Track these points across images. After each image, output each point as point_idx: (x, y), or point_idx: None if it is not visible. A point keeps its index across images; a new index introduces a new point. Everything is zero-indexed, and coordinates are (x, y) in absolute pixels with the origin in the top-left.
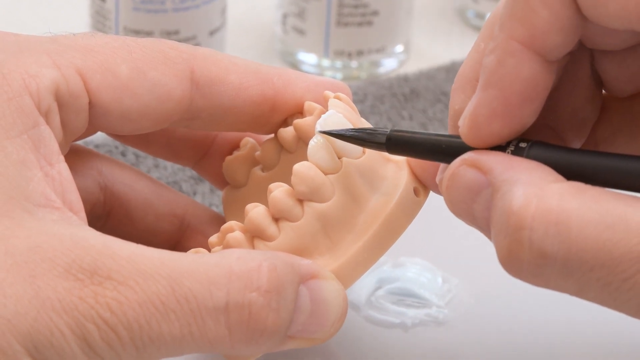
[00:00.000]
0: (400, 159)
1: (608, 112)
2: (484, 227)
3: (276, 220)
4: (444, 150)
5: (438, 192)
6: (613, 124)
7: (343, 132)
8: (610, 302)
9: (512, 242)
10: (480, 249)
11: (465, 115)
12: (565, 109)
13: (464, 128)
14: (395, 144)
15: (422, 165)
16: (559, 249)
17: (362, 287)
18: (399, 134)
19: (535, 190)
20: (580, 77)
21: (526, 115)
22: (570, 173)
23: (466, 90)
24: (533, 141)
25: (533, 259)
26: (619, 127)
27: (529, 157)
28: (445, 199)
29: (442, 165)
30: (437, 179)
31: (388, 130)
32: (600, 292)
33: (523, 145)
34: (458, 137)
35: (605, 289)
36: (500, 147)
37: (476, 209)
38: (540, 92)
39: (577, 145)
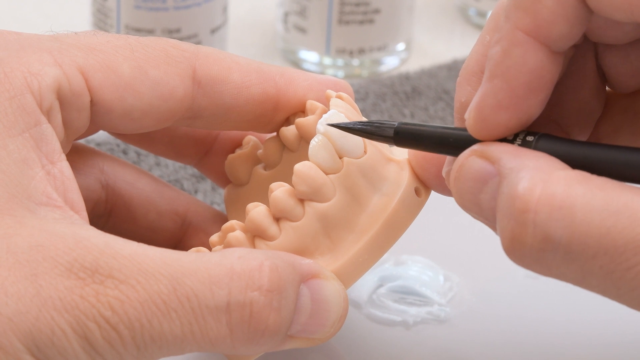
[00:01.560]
0: (402, 159)
1: (611, 108)
2: (490, 217)
3: (277, 220)
4: (452, 143)
5: (439, 191)
6: (616, 120)
7: (351, 125)
8: (612, 292)
9: (516, 225)
10: (481, 247)
11: (471, 107)
12: (570, 103)
13: (470, 120)
14: (403, 137)
15: (424, 164)
16: (562, 233)
17: (364, 285)
18: (407, 127)
19: (541, 175)
20: (586, 71)
21: (532, 106)
22: (577, 165)
23: (472, 82)
24: (540, 134)
25: (536, 242)
26: (622, 124)
27: (536, 149)
28: (452, 191)
29: (448, 158)
30: (444, 172)
31: (396, 123)
32: (603, 280)
33: (530, 138)
34: (466, 130)
35: (608, 277)
36: (507, 141)
37: (483, 199)
38: (546, 83)
39: (580, 138)
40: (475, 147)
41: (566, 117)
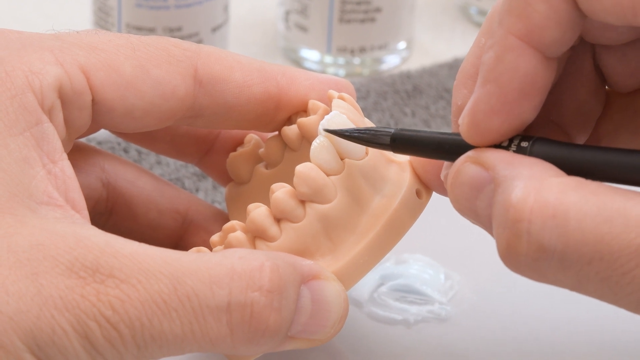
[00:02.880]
0: (403, 160)
1: (611, 107)
2: (487, 223)
3: (278, 220)
4: (448, 149)
5: (441, 192)
6: (615, 119)
7: (348, 132)
8: (609, 297)
9: (510, 235)
10: (482, 245)
11: (464, 113)
12: (569, 103)
13: (463, 126)
14: (400, 143)
15: (425, 165)
16: (557, 241)
17: (365, 283)
18: (404, 133)
19: (534, 183)
20: (583, 71)
21: (525, 112)
22: (572, 169)
23: (468, 85)
24: (535, 138)
25: (531, 252)
26: (622, 122)
27: (531, 154)
28: (449, 197)
29: (445, 162)
30: (442, 175)
31: (392, 129)
32: (599, 286)
33: (525, 144)
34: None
35: (605, 283)
36: (502, 147)
37: (479, 205)
38: (540, 88)
39: (581, 140)
40: (470, 153)
41: (565, 117)
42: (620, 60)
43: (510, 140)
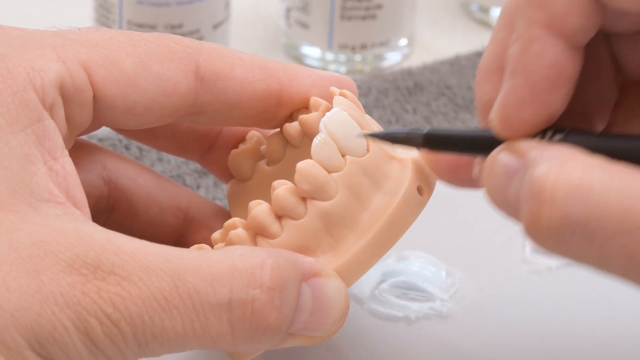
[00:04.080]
0: (405, 157)
1: (623, 95)
2: (518, 210)
3: (279, 218)
4: (482, 145)
5: (456, 184)
6: (627, 107)
7: (382, 135)
8: (634, 274)
9: (533, 205)
10: (484, 242)
11: (495, 107)
12: (588, 92)
13: (494, 121)
14: (433, 144)
15: (437, 160)
16: (580, 212)
17: (366, 280)
18: (436, 133)
19: (559, 160)
20: (600, 60)
21: (555, 101)
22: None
23: (491, 80)
24: (568, 130)
25: (554, 222)
26: (634, 110)
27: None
28: (485, 189)
29: (477, 159)
30: (474, 174)
31: (424, 130)
32: (624, 261)
33: (558, 137)
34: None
35: (630, 259)
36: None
37: (510, 192)
38: (567, 77)
39: (600, 127)
40: (505, 144)
41: (585, 105)
42: (634, 48)
43: (543, 133)
